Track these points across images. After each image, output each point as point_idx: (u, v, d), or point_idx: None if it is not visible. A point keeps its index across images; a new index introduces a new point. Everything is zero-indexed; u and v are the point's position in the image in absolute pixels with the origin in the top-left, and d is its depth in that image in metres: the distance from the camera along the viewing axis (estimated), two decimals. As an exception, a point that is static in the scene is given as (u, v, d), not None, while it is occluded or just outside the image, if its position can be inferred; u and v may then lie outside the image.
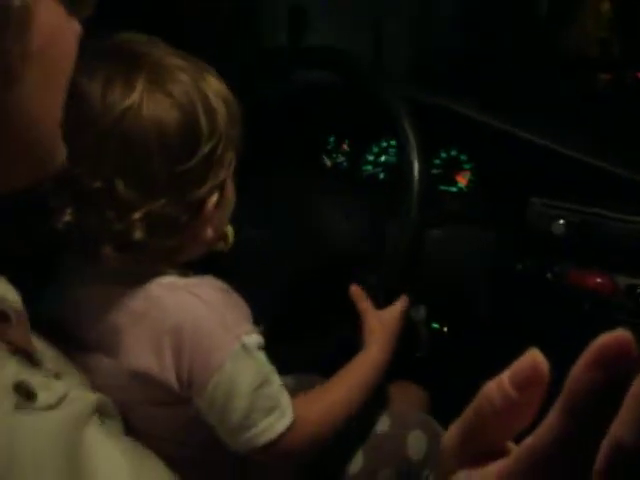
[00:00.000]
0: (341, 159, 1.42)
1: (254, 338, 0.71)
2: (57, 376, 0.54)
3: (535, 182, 1.11)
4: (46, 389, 0.48)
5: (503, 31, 1.71)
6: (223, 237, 0.80)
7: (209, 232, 0.72)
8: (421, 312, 1.16)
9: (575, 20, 1.76)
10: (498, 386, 0.29)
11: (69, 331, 0.71)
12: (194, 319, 0.68)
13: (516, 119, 1.15)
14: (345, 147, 1.41)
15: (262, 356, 0.72)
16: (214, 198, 0.70)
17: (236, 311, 0.72)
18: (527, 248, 1.10)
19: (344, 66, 1.08)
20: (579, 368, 0.25)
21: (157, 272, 0.70)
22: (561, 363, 1.00)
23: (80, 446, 0.49)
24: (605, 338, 0.25)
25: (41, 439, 0.46)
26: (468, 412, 0.31)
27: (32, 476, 0.44)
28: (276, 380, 0.72)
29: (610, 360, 0.25)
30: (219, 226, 0.75)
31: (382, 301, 0.96)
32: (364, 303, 0.94)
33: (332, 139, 1.42)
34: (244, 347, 0.69)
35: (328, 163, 1.42)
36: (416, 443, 0.95)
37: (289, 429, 0.71)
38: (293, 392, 0.76)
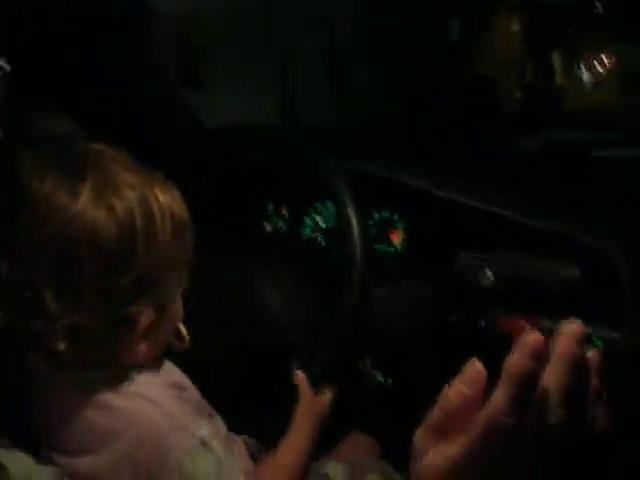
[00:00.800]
0: (280, 224, 1.47)
1: (207, 429, 0.73)
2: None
3: (463, 237, 1.19)
4: (14, 463, 0.51)
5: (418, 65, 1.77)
6: (175, 334, 0.81)
7: (143, 347, 0.71)
8: (366, 365, 1.21)
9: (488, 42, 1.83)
10: (454, 388, 0.44)
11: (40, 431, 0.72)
12: (147, 423, 0.69)
13: (441, 178, 1.23)
14: (284, 212, 1.47)
15: (217, 445, 0.73)
16: (149, 318, 0.69)
17: (189, 407, 0.74)
18: (459, 300, 1.18)
19: (279, 143, 1.14)
20: (516, 359, 0.40)
21: (109, 377, 0.71)
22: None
23: None
24: (533, 337, 0.41)
25: None
26: (434, 411, 0.44)
27: None
28: (232, 464, 0.75)
29: (537, 352, 0.40)
30: (158, 342, 0.74)
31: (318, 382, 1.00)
32: (303, 387, 0.97)
33: (271, 205, 1.48)
34: (201, 441, 0.71)
35: (268, 228, 1.47)
36: None
37: None
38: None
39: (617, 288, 1.00)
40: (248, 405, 1.03)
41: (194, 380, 0.84)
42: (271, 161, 1.30)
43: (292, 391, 0.97)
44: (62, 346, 0.64)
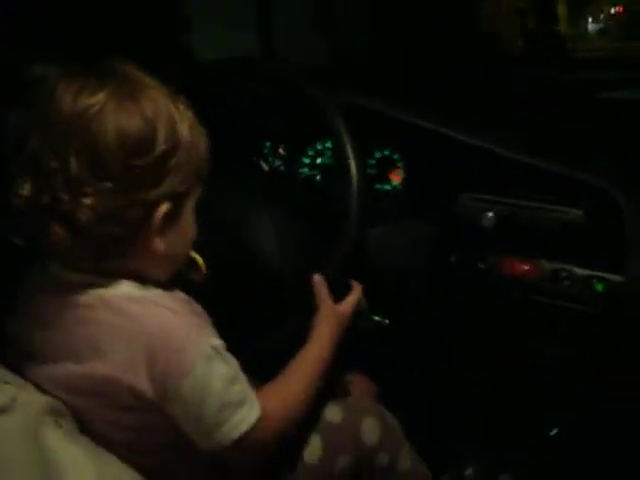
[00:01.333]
0: (278, 163, 1.45)
1: (220, 342, 0.75)
2: (4, 382, 0.55)
3: (465, 177, 1.17)
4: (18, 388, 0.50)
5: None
6: (192, 265, 0.84)
7: (160, 245, 0.73)
8: (362, 304, 1.21)
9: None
10: None
11: (22, 342, 0.74)
12: (163, 327, 0.71)
13: (444, 116, 1.20)
14: (281, 151, 1.45)
15: (229, 356, 0.75)
16: (165, 207, 0.71)
17: (200, 318, 0.76)
18: (459, 241, 1.17)
19: (277, 75, 1.11)
20: None
21: (116, 282, 0.73)
22: (497, 347, 1.07)
23: (41, 446, 0.51)
24: None
25: (2, 440, 0.47)
26: None
27: (2, 470, 0.45)
28: (242, 375, 0.76)
29: None
30: (173, 246, 0.76)
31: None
32: (324, 292, 0.96)
33: (268, 144, 1.46)
34: (214, 347, 0.72)
35: (265, 167, 1.45)
36: (370, 430, 0.99)
37: (259, 420, 0.74)
38: None
39: (621, 229, 0.98)
40: (245, 344, 1.03)
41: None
42: (268, 97, 1.27)
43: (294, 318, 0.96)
44: (84, 216, 0.66)
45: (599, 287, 1.01)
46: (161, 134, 0.69)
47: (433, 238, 1.20)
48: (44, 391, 0.68)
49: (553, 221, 1.07)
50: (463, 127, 1.17)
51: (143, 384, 0.70)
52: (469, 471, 1.22)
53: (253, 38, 1.48)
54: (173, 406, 0.71)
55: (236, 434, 0.73)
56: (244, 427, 0.73)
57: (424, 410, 1.21)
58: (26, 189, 0.66)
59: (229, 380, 0.73)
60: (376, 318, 1.25)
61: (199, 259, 0.85)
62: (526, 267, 1.08)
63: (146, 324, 0.70)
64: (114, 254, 0.72)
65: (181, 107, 0.74)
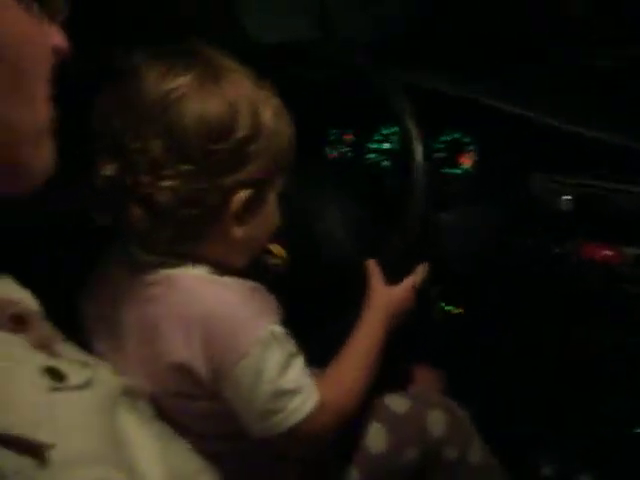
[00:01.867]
0: (345, 149, 1.43)
1: (281, 327, 0.74)
2: (82, 364, 0.56)
3: (541, 159, 1.12)
4: (74, 373, 0.51)
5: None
6: (271, 253, 0.86)
7: (238, 232, 0.73)
8: (434, 293, 1.17)
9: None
10: None
11: (98, 320, 0.77)
12: (223, 306, 0.71)
13: (514, 96, 1.15)
14: (348, 138, 1.42)
15: (288, 342, 0.74)
16: (245, 194, 0.71)
17: (265, 304, 0.75)
18: (535, 225, 1.11)
19: (341, 60, 1.09)
20: None
21: (187, 264, 0.74)
22: (578, 334, 1.01)
23: (114, 424, 0.51)
24: None
25: (78, 413, 0.48)
26: None
27: (78, 439, 0.45)
28: (300, 363, 0.75)
29: None
30: (251, 235, 0.76)
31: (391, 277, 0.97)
32: (375, 277, 0.95)
33: (335, 131, 1.43)
34: (272, 333, 0.72)
35: (333, 154, 1.43)
36: (436, 422, 0.97)
37: (315, 410, 0.73)
38: None
39: None
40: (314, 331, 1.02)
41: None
42: (332, 82, 1.25)
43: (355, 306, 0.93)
44: (164, 198, 0.67)
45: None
46: (242, 119, 0.69)
47: (507, 223, 1.15)
48: (119, 373, 0.69)
49: (636, 204, 1.00)
50: (537, 107, 1.12)
51: (199, 363, 0.70)
52: (547, 470, 1.17)
53: (301, 23, 1.43)
54: (226, 388, 0.71)
55: (291, 422, 0.72)
56: (299, 416, 0.72)
57: (496, 403, 1.16)
58: (108, 170, 0.67)
59: (284, 367, 0.72)
60: (449, 308, 1.21)
61: (278, 248, 0.87)
62: (608, 252, 1.02)
63: (206, 304, 0.71)
64: (190, 238, 0.72)
65: (266, 92, 0.74)
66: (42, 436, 0.42)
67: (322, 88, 1.27)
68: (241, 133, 0.69)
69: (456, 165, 1.27)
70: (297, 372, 0.74)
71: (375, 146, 1.38)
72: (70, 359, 0.55)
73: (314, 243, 1.05)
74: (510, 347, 1.19)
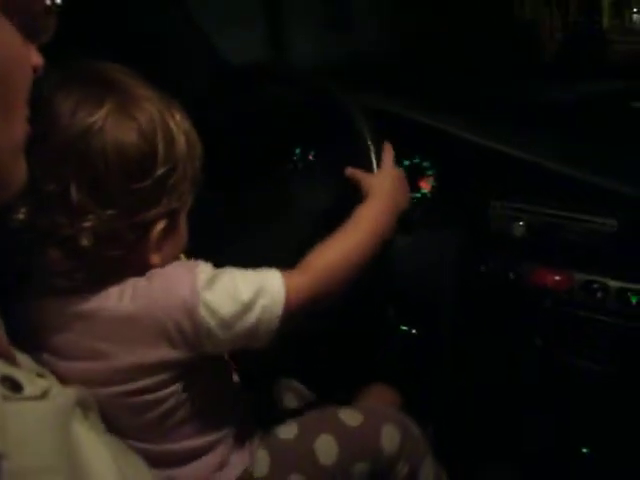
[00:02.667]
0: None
1: (205, 265, 0.76)
2: (38, 375, 0.56)
3: (496, 186, 1.15)
4: (30, 383, 0.51)
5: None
6: None
7: (155, 259, 0.74)
8: (390, 314, 1.20)
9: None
10: None
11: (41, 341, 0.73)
12: (160, 288, 0.72)
13: (475, 124, 1.19)
14: (311, 157, 1.44)
15: (221, 269, 0.76)
16: (162, 224, 0.73)
17: (189, 262, 0.78)
18: (490, 250, 1.15)
19: (305, 81, 1.11)
20: None
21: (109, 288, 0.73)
22: (527, 360, 1.04)
23: (68, 435, 0.51)
24: None
25: (32, 425, 0.48)
26: None
27: (30, 453, 0.45)
28: (244, 271, 0.77)
29: None
30: (167, 257, 0.77)
31: None
32: (359, 173, 0.98)
33: (298, 150, 1.45)
34: (203, 272, 0.74)
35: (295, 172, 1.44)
36: (389, 436, 0.97)
37: (289, 292, 0.76)
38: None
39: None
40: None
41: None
42: (297, 102, 1.27)
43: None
44: (85, 242, 0.66)
45: (634, 299, 0.99)
46: (160, 154, 0.70)
47: (462, 247, 1.18)
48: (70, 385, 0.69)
49: (586, 231, 1.04)
50: (494, 134, 1.15)
51: (172, 353, 0.72)
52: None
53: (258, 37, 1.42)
54: (210, 342, 0.73)
55: (277, 313, 0.75)
56: (278, 305, 0.75)
57: (450, 421, 1.18)
58: (22, 212, 0.65)
59: (234, 281, 0.74)
60: (403, 328, 1.23)
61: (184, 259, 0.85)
62: (557, 277, 1.06)
63: (146, 301, 0.71)
64: (109, 271, 0.72)
65: (177, 117, 0.73)
66: None
67: (287, 107, 1.29)
68: (161, 169, 0.70)
69: (415, 189, 1.30)
70: (247, 276, 0.76)
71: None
72: (27, 369, 0.55)
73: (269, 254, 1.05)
74: (463, 367, 1.21)
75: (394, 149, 1.02)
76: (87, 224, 0.66)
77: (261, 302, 0.74)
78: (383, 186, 0.96)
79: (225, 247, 0.95)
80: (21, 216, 0.65)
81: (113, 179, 0.66)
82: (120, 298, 0.71)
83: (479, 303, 1.17)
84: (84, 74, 0.70)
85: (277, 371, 1.09)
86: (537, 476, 1.16)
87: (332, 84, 1.08)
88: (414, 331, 1.20)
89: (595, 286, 1.02)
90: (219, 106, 1.18)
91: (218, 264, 0.78)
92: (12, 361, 0.55)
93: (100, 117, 0.65)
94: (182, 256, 0.84)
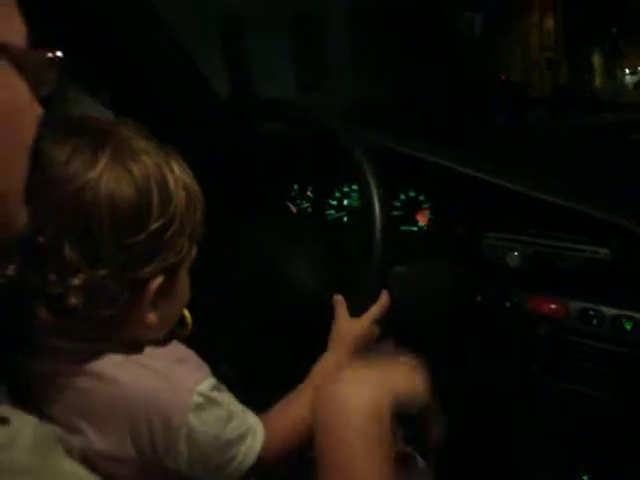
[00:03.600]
0: (305, 205, 1.47)
1: (207, 383, 0.73)
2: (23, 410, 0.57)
3: (490, 217, 1.18)
4: (16, 416, 0.50)
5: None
6: (181, 322, 0.81)
7: (151, 318, 0.71)
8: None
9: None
10: None
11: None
12: (145, 391, 0.69)
13: (469, 158, 1.22)
14: (309, 193, 1.47)
15: (219, 395, 0.74)
16: (158, 281, 0.69)
17: (185, 365, 0.74)
18: (485, 280, 1.17)
19: (306, 119, 1.13)
20: None
21: (105, 351, 0.70)
22: (522, 386, 1.05)
23: (55, 464, 0.52)
24: None
25: (19, 450, 0.48)
26: None
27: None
28: (238, 408, 0.75)
29: None
30: (166, 315, 0.74)
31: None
32: (340, 310, 0.96)
33: (296, 186, 1.48)
34: (201, 395, 0.71)
35: (293, 209, 1.47)
36: None
37: (266, 444, 0.75)
38: None
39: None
40: (269, 378, 1.04)
41: (219, 356, 0.85)
42: (295, 137, 1.30)
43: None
44: (73, 300, 0.64)
45: (628, 326, 1.00)
46: (155, 208, 0.67)
47: (459, 277, 1.20)
48: None
49: (580, 260, 1.07)
50: (488, 168, 1.18)
51: (129, 453, 0.68)
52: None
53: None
54: (172, 459, 0.70)
55: (247, 465, 0.73)
56: (252, 456, 0.73)
57: (445, 450, 1.18)
58: (11, 269, 0.63)
59: (225, 420, 0.72)
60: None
61: (187, 315, 0.82)
62: (553, 306, 1.08)
63: (128, 394, 0.68)
64: (103, 329, 0.69)
65: (176, 170, 0.71)
66: None
67: (286, 144, 1.32)
68: (155, 223, 0.67)
69: (413, 223, 1.32)
70: (238, 418, 0.74)
71: (335, 202, 1.43)
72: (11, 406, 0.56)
73: (270, 295, 1.07)
74: (459, 395, 1.22)
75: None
76: (76, 282, 0.63)
77: (241, 448, 0.73)
78: (348, 346, 0.94)
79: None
80: (10, 272, 0.63)
81: (106, 235, 0.64)
82: (104, 380, 0.68)
83: (475, 332, 1.18)
84: (80, 124, 0.69)
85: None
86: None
87: (329, 120, 1.10)
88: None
89: (590, 313, 1.04)
90: (216, 140, 1.21)
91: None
92: None
93: (95, 174, 0.63)
94: (185, 312, 0.82)
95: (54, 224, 0.63)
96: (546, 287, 1.10)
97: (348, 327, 0.95)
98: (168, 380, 0.70)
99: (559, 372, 1.09)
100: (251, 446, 0.74)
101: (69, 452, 0.59)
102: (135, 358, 0.71)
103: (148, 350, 0.73)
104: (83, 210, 0.63)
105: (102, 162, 0.64)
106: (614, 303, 1.03)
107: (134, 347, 0.72)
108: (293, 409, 0.85)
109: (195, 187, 0.74)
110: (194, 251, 0.76)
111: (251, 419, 0.76)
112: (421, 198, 1.33)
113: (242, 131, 1.23)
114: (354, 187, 1.42)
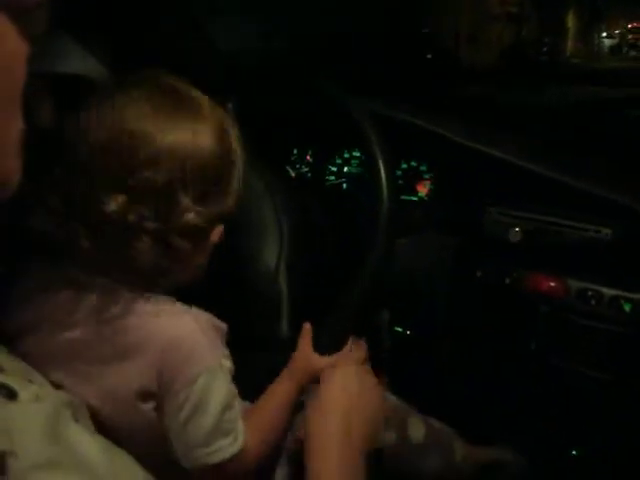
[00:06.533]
0: (304, 170, 1.45)
1: (229, 363, 0.74)
2: (28, 380, 0.56)
3: (492, 191, 1.17)
4: (23, 389, 0.51)
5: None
6: None
7: (202, 260, 0.75)
8: (384, 316, 1.20)
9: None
10: None
11: (32, 337, 0.71)
12: (181, 334, 0.70)
13: (474, 131, 1.20)
14: (308, 158, 1.45)
15: (231, 382, 0.75)
16: (219, 229, 0.75)
17: (217, 337, 0.75)
18: (485, 255, 1.16)
19: (309, 83, 1.11)
20: None
21: (140, 292, 0.71)
22: (520, 362, 1.06)
23: (62, 436, 0.52)
24: None
25: (31, 425, 0.48)
26: None
27: (33, 450, 0.46)
28: (238, 406, 0.76)
29: None
30: (206, 256, 0.77)
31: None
32: (306, 339, 0.94)
33: (296, 150, 1.46)
34: (222, 366, 0.72)
35: (292, 174, 1.45)
36: (415, 428, 1.03)
37: (240, 452, 0.74)
38: None
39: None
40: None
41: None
42: (298, 104, 1.27)
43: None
44: (177, 240, 0.68)
45: (627, 307, 1.01)
46: (230, 150, 0.72)
47: (458, 251, 1.20)
48: (58, 387, 0.68)
49: (581, 239, 1.06)
50: (492, 141, 1.17)
51: (152, 385, 0.70)
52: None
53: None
54: (168, 409, 0.71)
55: (215, 460, 0.72)
56: (223, 456, 0.72)
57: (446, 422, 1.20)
58: (113, 204, 0.65)
59: (225, 405, 0.73)
60: (398, 329, 1.24)
61: None
62: (552, 284, 1.08)
63: (166, 331, 0.70)
64: (157, 276, 0.71)
65: (230, 119, 0.75)
66: (0, 445, 0.43)
67: (289, 108, 1.29)
68: (229, 170, 0.72)
69: (413, 192, 1.31)
70: (235, 414, 0.75)
71: (335, 169, 1.41)
72: (18, 375, 0.56)
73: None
74: (457, 369, 1.23)
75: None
76: (188, 218, 0.67)
77: (223, 442, 0.73)
78: (301, 377, 0.90)
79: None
80: (112, 207, 0.65)
81: (209, 169, 0.69)
82: (144, 318, 0.70)
83: (474, 306, 1.18)
84: (151, 83, 0.70)
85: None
86: (529, 478, 1.18)
87: (334, 86, 1.08)
88: (409, 332, 1.21)
89: (589, 293, 1.04)
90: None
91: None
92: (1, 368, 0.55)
93: (180, 124, 0.67)
94: None
95: (162, 168, 0.65)
96: (546, 265, 1.10)
97: (305, 361, 0.92)
98: (204, 333, 0.72)
99: (556, 350, 1.09)
100: (227, 447, 0.73)
101: (75, 414, 0.59)
102: (176, 308, 0.73)
103: (187, 308, 0.74)
104: (183, 160, 0.66)
105: (182, 114, 0.68)
106: (614, 284, 1.03)
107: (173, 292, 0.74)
108: (269, 410, 0.85)
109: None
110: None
111: (240, 426, 0.76)
112: (422, 168, 1.32)
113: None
114: (355, 154, 1.40)
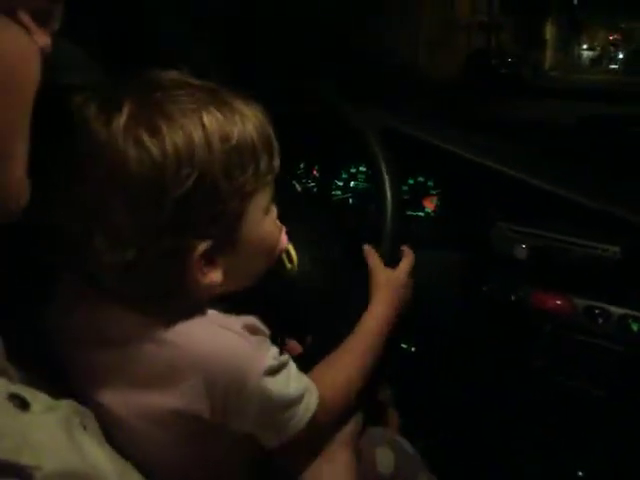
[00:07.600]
0: (311, 184, 1.45)
1: (274, 351, 0.71)
2: (38, 389, 0.56)
3: (500, 207, 1.16)
4: (35, 399, 0.51)
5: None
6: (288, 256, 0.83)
7: (213, 276, 0.66)
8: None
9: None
10: None
11: (64, 351, 0.69)
12: (223, 348, 0.67)
13: (482, 147, 1.20)
14: (315, 173, 1.45)
15: (283, 357, 0.72)
16: (202, 246, 0.64)
17: (259, 334, 0.72)
18: (491, 271, 1.15)
19: (316, 96, 1.11)
20: None
21: (180, 306, 0.68)
22: (524, 379, 1.04)
23: (75, 443, 0.52)
24: None
25: (47, 435, 0.49)
26: None
27: (54, 460, 0.47)
28: (295, 368, 0.75)
29: None
30: (236, 267, 0.70)
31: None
32: (375, 260, 0.95)
33: (302, 165, 1.46)
34: (274, 359, 0.70)
35: (298, 188, 1.45)
36: (384, 459, 0.97)
37: (319, 402, 0.74)
38: None
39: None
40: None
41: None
42: (305, 117, 1.27)
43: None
44: (113, 282, 0.63)
45: (635, 327, 0.99)
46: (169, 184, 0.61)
47: (465, 267, 1.19)
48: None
49: (588, 256, 1.05)
50: (500, 157, 1.16)
51: (203, 408, 0.66)
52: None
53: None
54: (238, 421, 0.69)
55: (303, 423, 0.73)
56: (309, 414, 0.73)
57: (446, 440, 1.19)
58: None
59: (288, 380, 0.72)
60: (403, 346, 1.23)
61: (292, 252, 0.83)
62: (558, 302, 1.06)
63: (206, 348, 0.66)
64: (161, 298, 0.66)
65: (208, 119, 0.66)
66: (25, 459, 0.44)
67: (296, 121, 1.29)
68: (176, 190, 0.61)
69: (419, 207, 1.30)
70: (297, 377, 0.74)
71: (341, 183, 1.41)
72: (27, 385, 0.55)
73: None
74: (460, 385, 1.21)
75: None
76: (112, 265, 0.61)
77: (300, 406, 0.73)
78: (391, 292, 0.93)
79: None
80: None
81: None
82: (180, 335, 0.66)
83: (479, 322, 1.17)
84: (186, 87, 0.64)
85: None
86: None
87: (341, 99, 1.07)
88: (413, 349, 1.20)
89: (596, 312, 1.03)
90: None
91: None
92: (12, 378, 0.55)
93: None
94: (290, 248, 0.83)
95: (82, 213, 0.60)
96: (553, 282, 1.09)
97: (388, 277, 0.94)
98: (245, 339, 0.68)
99: (560, 368, 1.08)
100: (308, 404, 0.73)
101: (82, 422, 0.59)
102: (211, 318, 0.68)
103: (224, 317, 0.69)
104: (103, 193, 0.59)
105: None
106: (622, 303, 1.02)
107: (200, 305, 0.69)
108: (346, 365, 0.84)
109: (246, 135, 0.65)
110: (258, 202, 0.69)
111: (305, 378, 0.76)
112: (429, 183, 1.31)
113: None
114: (361, 169, 1.40)
